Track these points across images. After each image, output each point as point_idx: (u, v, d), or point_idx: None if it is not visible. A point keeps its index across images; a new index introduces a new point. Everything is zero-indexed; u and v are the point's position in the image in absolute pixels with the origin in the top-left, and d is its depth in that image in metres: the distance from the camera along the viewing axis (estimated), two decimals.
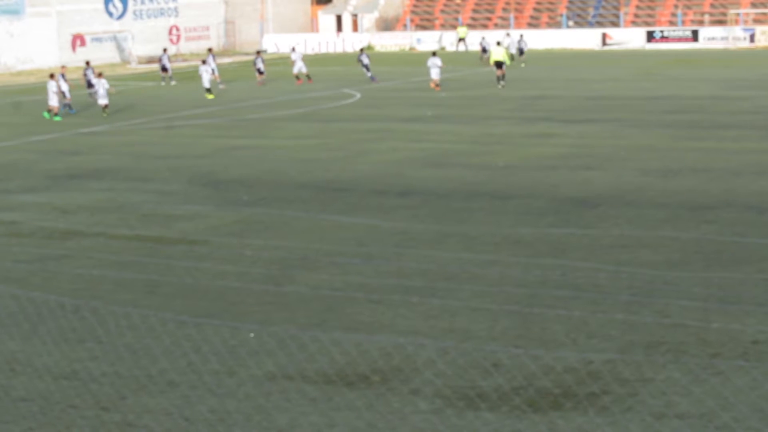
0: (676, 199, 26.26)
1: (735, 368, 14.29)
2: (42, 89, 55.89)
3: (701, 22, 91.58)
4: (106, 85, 51.23)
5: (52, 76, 50.38)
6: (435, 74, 57.85)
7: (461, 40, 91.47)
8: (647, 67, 68.64)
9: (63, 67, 58.30)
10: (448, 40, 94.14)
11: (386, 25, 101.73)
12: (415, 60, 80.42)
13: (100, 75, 53.07)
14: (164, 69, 67.59)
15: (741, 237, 21.98)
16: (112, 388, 14.08)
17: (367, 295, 18.36)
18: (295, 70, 64.56)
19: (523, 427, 12.57)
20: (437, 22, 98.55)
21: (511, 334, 16.16)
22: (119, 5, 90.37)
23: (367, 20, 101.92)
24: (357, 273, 19.92)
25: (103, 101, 50.73)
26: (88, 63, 58.32)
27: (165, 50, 70.79)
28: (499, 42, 64.91)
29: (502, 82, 58.15)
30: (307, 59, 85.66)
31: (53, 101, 49.18)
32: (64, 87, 51.88)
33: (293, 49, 67.75)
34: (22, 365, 15.12)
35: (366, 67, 64.49)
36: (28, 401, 13.74)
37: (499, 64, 58.18)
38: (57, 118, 48.90)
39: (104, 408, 13.46)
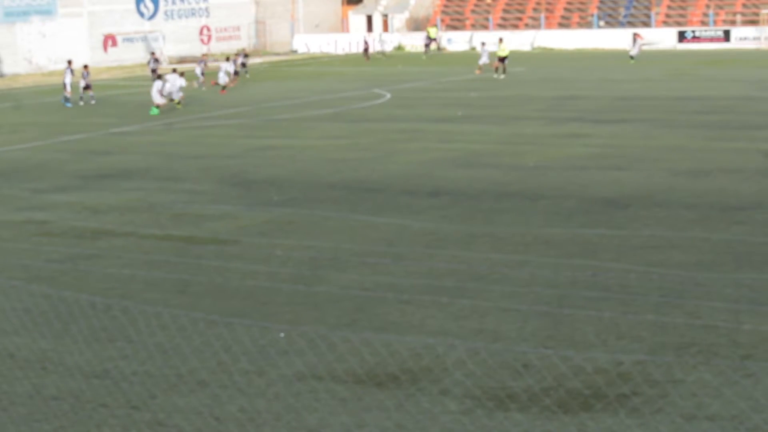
0: (707, 199, 26.15)
1: (766, 370, 14.22)
2: (72, 89, 56.24)
3: (733, 22, 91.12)
4: (182, 83, 53.42)
5: (159, 77, 51.87)
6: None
7: (432, 40, 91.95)
8: (678, 68, 68.37)
9: (68, 63, 58.98)
10: (477, 40, 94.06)
11: (416, 25, 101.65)
12: (445, 60, 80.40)
13: (174, 71, 54.90)
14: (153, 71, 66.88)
15: None
16: (143, 387, 14.14)
17: (396, 295, 18.37)
18: (221, 80, 61.50)
19: (553, 428, 12.55)
20: (468, 22, 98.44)
21: (541, 334, 16.13)
22: (150, 5, 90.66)
23: (398, 20, 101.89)
24: (387, 273, 19.93)
25: (177, 95, 53.03)
26: (86, 67, 58.08)
27: (153, 54, 70.30)
28: (501, 38, 69.04)
29: (502, 75, 64.84)
30: (337, 59, 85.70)
31: (157, 98, 50.45)
32: (67, 79, 56.35)
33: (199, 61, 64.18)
34: (53, 364, 15.21)
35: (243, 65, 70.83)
36: (59, 400, 13.82)
37: (502, 59, 65.40)
38: (155, 112, 50.21)
39: (135, 407, 13.52)
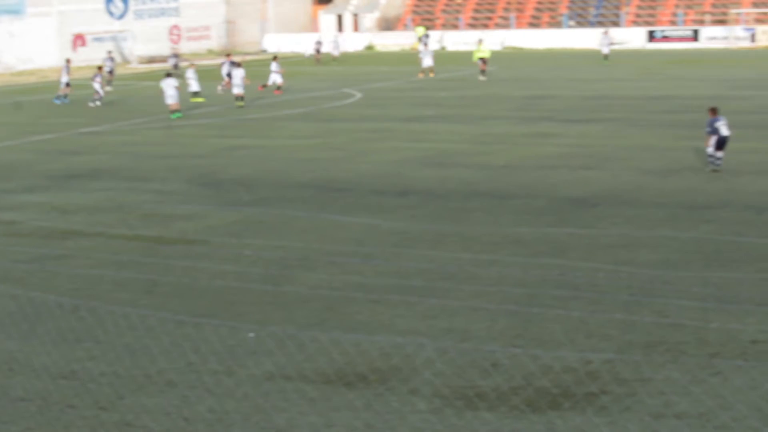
0: (675, 198, 26.26)
1: (734, 368, 14.29)
2: (42, 89, 56.02)
3: (702, 22, 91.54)
4: (243, 74, 51.87)
5: (239, 64, 49.72)
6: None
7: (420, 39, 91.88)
8: (648, 67, 68.62)
9: (68, 60, 59.07)
10: (450, 39, 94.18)
11: (387, 24, 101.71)
12: (416, 60, 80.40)
13: (239, 65, 53.54)
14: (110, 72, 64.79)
15: (740, 237, 21.98)
16: (111, 388, 14.08)
17: (366, 294, 18.36)
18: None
19: (521, 426, 12.56)
20: (438, 22, 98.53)
21: (510, 333, 16.15)
22: (120, 5, 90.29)
23: (368, 20, 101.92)
24: (356, 273, 19.92)
25: (238, 90, 51.61)
26: (100, 68, 57.58)
27: (110, 52, 68.04)
28: (481, 39, 67.85)
29: (483, 77, 63.44)
30: (307, 59, 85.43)
31: (173, 99, 47.61)
32: (64, 78, 56.09)
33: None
34: (20, 365, 15.12)
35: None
36: (26, 401, 13.74)
37: (483, 60, 64.05)
38: (178, 115, 47.73)
39: (103, 408, 13.46)
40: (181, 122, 46.53)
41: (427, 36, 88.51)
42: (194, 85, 54.56)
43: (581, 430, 12.41)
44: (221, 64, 61.43)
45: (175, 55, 68.71)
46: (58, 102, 56.28)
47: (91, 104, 54.46)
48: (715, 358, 14.75)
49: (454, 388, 13.65)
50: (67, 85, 56.36)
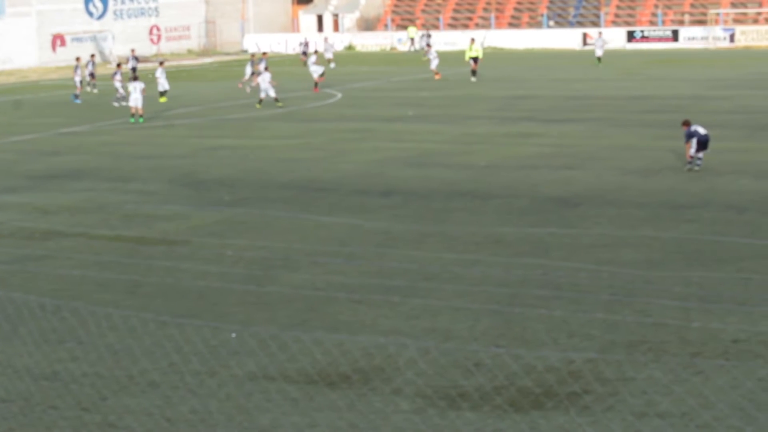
0: (657, 198, 26.33)
1: (715, 367, 14.34)
2: (22, 89, 55.80)
3: (681, 22, 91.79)
4: (269, 78, 51.19)
5: (136, 78, 47.23)
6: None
7: (412, 39, 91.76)
8: (628, 67, 68.74)
9: (78, 58, 58.93)
10: (430, 40, 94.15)
11: (367, 24, 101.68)
12: (396, 60, 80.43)
13: (266, 69, 52.98)
14: (92, 75, 62.82)
15: (721, 236, 22.05)
16: (93, 389, 14.04)
17: (348, 294, 18.36)
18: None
19: (504, 426, 12.58)
20: (418, 22, 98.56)
21: (493, 333, 16.18)
22: (99, 5, 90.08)
23: (348, 20, 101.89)
24: (338, 273, 19.91)
25: (272, 93, 50.94)
26: (119, 65, 57.18)
27: (93, 56, 66.76)
28: (473, 39, 67.33)
29: (474, 78, 62.58)
30: (287, 59, 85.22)
31: (139, 102, 46.06)
32: (78, 78, 56.37)
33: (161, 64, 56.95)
34: (2, 366, 15.06)
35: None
36: (8, 402, 13.69)
37: (474, 59, 63.29)
38: (141, 120, 46.19)
39: (85, 409, 13.42)
40: (161, 122, 46.39)
41: (428, 36, 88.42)
42: (164, 84, 54.46)
43: (564, 429, 12.44)
44: (248, 64, 62.55)
45: (135, 58, 67.68)
46: (78, 101, 56.28)
47: (116, 104, 53.79)
48: (696, 357, 14.80)
49: (436, 387, 13.66)
50: (81, 83, 56.48)
